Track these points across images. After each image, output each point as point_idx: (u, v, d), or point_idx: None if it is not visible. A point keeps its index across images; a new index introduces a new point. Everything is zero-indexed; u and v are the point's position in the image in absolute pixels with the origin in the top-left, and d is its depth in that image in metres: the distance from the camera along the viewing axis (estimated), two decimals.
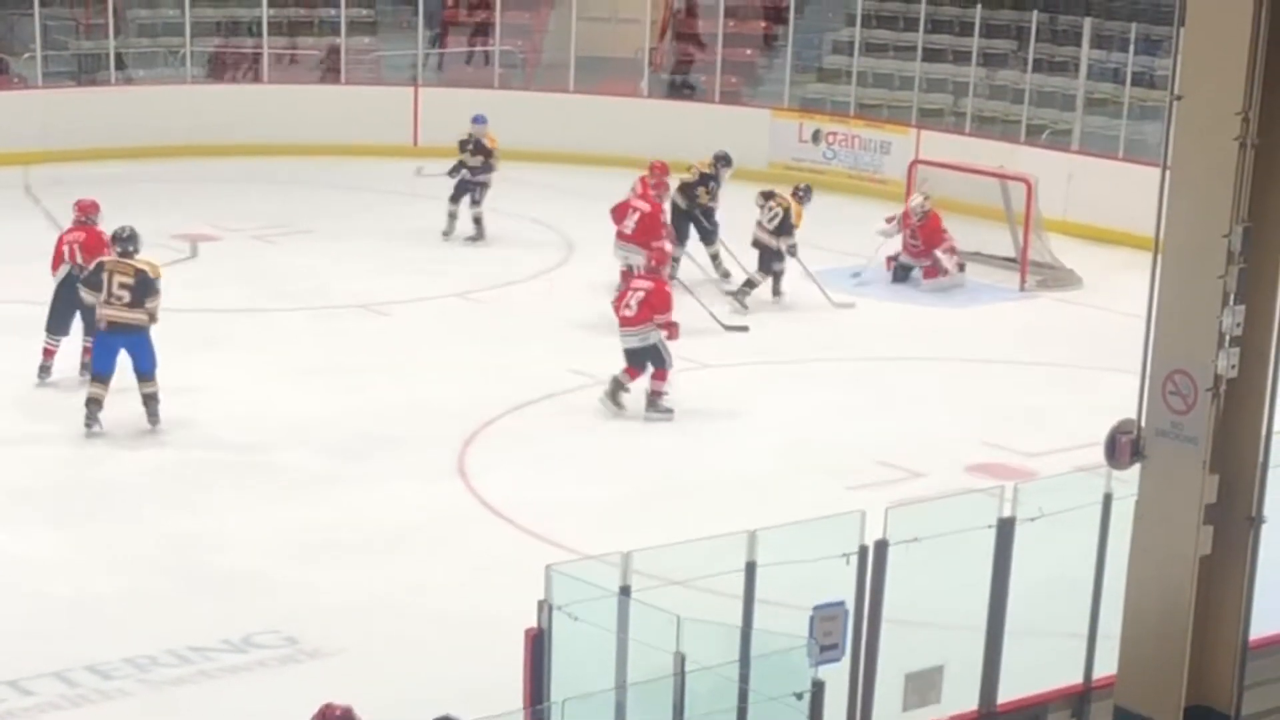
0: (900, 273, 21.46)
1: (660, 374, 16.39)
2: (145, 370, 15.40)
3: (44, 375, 16.60)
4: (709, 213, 21.36)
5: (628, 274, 18.64)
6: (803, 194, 20.91)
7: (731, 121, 27.59)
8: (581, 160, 27.52)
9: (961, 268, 21.45)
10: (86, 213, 16.98)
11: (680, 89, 30.03)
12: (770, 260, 20.41)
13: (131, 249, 15.55)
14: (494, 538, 13.53)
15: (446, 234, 22.85)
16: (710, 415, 16.52)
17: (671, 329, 16.51)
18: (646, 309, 16.42)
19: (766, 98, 29.04)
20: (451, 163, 23.12)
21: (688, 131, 26.99)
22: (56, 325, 16.59)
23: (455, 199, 22.99)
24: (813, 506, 10.13)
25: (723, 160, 21.62)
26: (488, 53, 30.29)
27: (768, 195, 20.78)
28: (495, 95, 29.09)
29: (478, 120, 23.27)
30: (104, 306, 15.33)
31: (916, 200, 21.62)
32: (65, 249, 16.66)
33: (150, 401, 15.42)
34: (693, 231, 21.37)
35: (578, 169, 27.22)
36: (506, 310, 19.91)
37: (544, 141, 27.84)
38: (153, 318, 15.40)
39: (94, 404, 15.28)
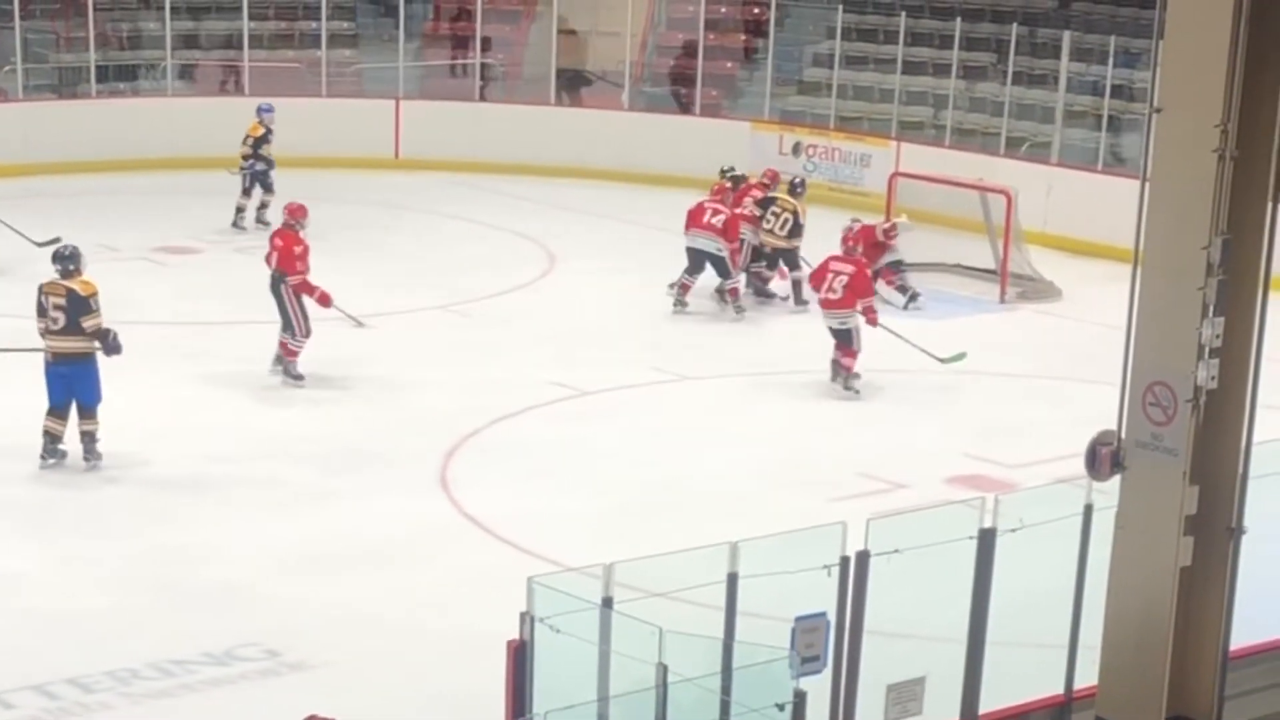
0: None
1: (851, 354, 17.33)
2: (87, 404, 14.65)
3: (276, 366, 17.21)
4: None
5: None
6: (799, 188, 20.92)
7: (712, 134, 27.68)
8: (562, 173, 27.56)
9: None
10: (295, 216, 17.39)
11: (675, 100, 30.04)
12: (788, 261, 20.48)
13: (71, 268, 14.65)
14: (476, 550, 13.51)
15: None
16: (692, 427, 16.53)
17: (871, 315, 17.25)
18: (850, 294, 17.29)
19: (747, 110, 29.10)
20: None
21: (669, 144, 27.05)
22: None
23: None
24: (795, 518, 10.14)
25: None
26: (469, 65, 30.30)
27: (766, 202, 20.78)
28: (476, 108, 29.15)
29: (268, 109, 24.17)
30: (44, 335, 14.68)
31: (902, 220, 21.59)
32: (268, 249, 17.32)
33: (87, 440, 14.70)
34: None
35: (559, 181, 27.25)
36: (489, 323, 19.91)
37: (525, 154, 27.87)
38: (97, 338, 14.54)
39: (49, 437, 14.70)
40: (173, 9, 28.79)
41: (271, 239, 17.61)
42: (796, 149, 27.25)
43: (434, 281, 21.54)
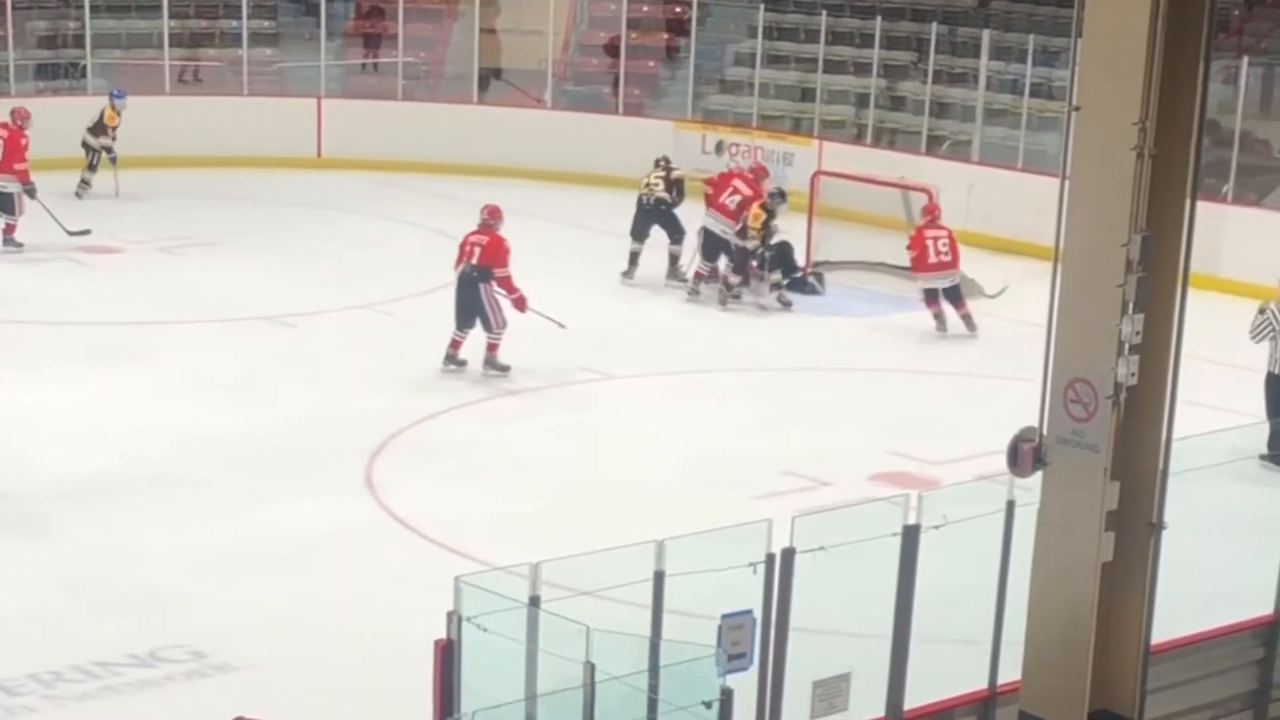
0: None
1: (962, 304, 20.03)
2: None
3: (448, 364, 17.66)
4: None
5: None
6: (780, 199, 21.00)
7: (635, 133, 27.70)
8: (486, 172, 27.50)
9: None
10: (494, 216, 17.82)
11: (590, 100, 30.07)
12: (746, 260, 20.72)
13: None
14: (403, 550, 13.48)
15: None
16: (616, 426, 16.54)
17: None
18: (955, 255, 20.10)
19: (669, 109, 29.15)
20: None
21: (591, 143, 27.05)
22: (461, 320, 17.61)
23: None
24: (719, 516, 10.13)
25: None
26: (391, 64, 30.19)
27: (742, 205, 20.96)
28: (398, 106, 29.06)
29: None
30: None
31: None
32: (467, 248, 17.57)
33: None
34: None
35: (482, 180, 27.17)
36: (413, 321, 19.84)
37: (448, 153, 27.79)
38: None
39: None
40: (93, 8, 28.58)
41: (468, 239, 17.80)
42: (719, 147, 27.25)
43: (357, 281, 21.47)
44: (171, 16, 28.94)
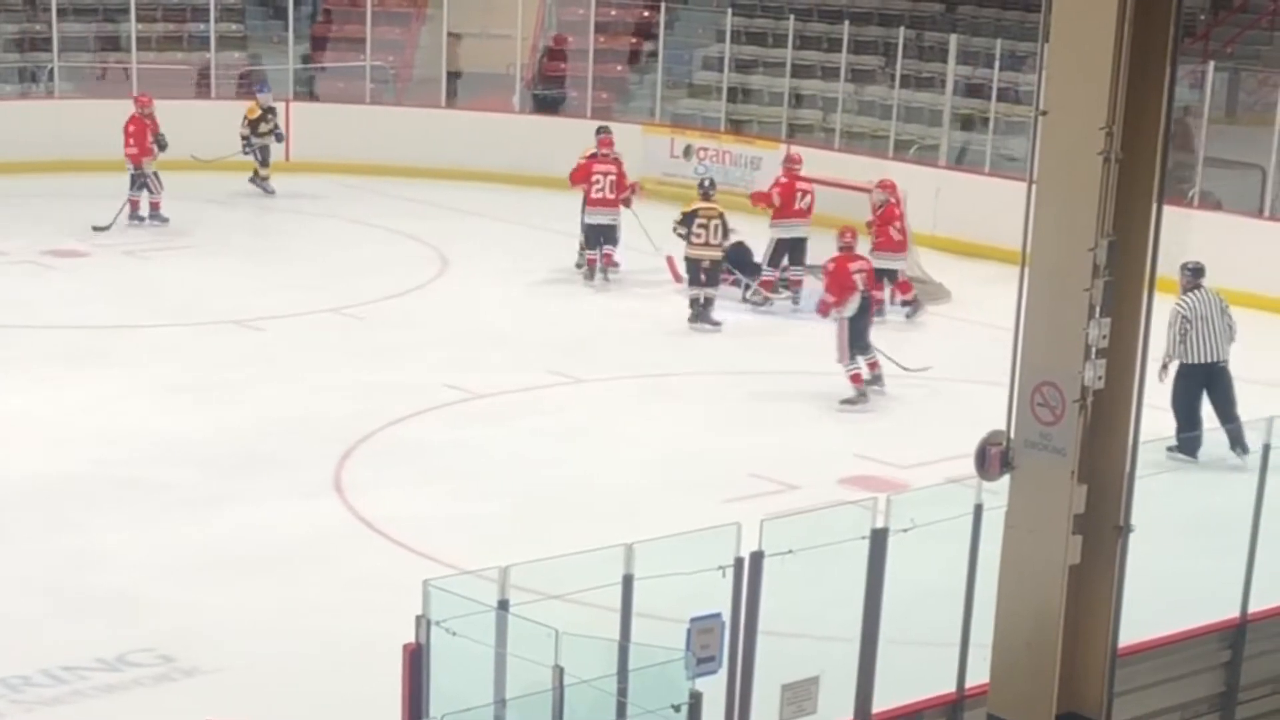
0: None
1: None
2: None
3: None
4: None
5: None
6: (708, 187, 20.90)
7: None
8: (454, 175, 27.50)
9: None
10: (843, 236, 18.21)
11: (549, 104, 30.09)
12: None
13: None
14: (372, 554, 13.45)
15: None
16: (585, 430, 16.54)
17: None
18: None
19: (638, 113, 29.18)
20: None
21: (559, 147, 27.00)
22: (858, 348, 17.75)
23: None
24: (688, 520, 10.13)
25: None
26: (359, 68, 30.14)
27: (689, 217, 20.52)
28: (367, 110, 29.02)
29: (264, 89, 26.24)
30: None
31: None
32: (854, 278, 17.73)
33: None
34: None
35: (450, 184, 27.18)
36: (382, 325, 19.83)
37: (416, 156, 27.76)
38: None
39: None
40: (60, 11, 28.48)
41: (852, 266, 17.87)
42: (688, 152, 27.32)
43: (327, 284, 21.43)
44: (139, 20, 28.85)
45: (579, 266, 22.15)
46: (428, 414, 16.65)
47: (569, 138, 27.52)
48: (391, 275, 21.85)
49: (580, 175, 22.04)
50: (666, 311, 20.80)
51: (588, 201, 21.89)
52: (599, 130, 22.96)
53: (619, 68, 30.56)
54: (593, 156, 22.12)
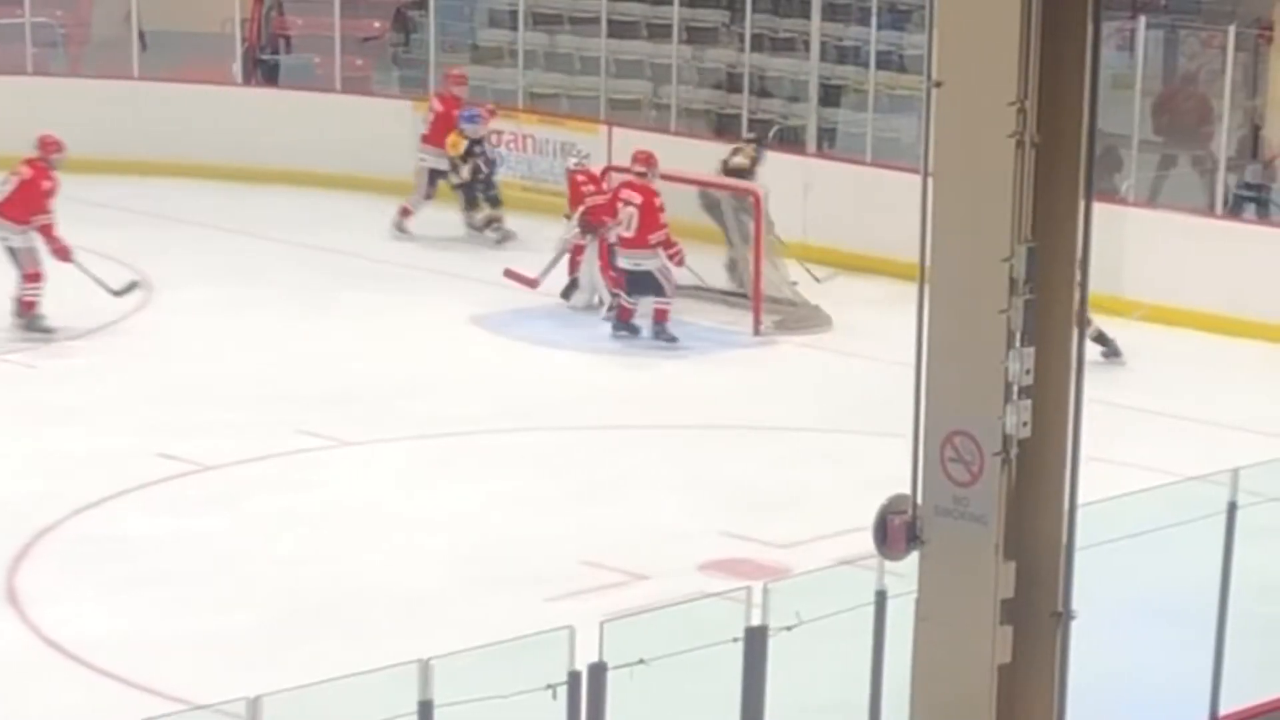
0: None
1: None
2: None
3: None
4: None
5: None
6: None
7: (360, 116, 27.44)
8: (152, 169, 27.14)
9: None
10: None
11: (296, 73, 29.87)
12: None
13: None
14: (64, 687, 13.28)
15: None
16: (358, 510, 16.49)
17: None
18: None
19: (406, 85, 29.00)
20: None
21: (299, 129, 26.80)
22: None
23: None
24: (503, 626, 10.22)
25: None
26: (16, 26, 29.51)
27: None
28: (29, 83, 28.53)
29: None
30: None
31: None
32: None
33: None
34: None
35: (151, 181, 26.89)
36: (64, 375, 19.63)
37: (100, 145, 27.34)
38: None
39: None
40: None
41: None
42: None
43: None
44: None
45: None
46: (134, 495, 16.53)
47: (311, 117, 27.36)
48: (72, 307, 21.43)
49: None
50: (474, 350, 20.82)
51: None
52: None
53: (376, 24, 30.42)
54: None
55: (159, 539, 15.73)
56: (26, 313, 20.71)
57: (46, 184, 20.91)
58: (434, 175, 25.35)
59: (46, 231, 20.63)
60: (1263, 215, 23.31)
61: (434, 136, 25.29)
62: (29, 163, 21.06)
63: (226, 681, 9.87)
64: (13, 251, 20.73)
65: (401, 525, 16.25)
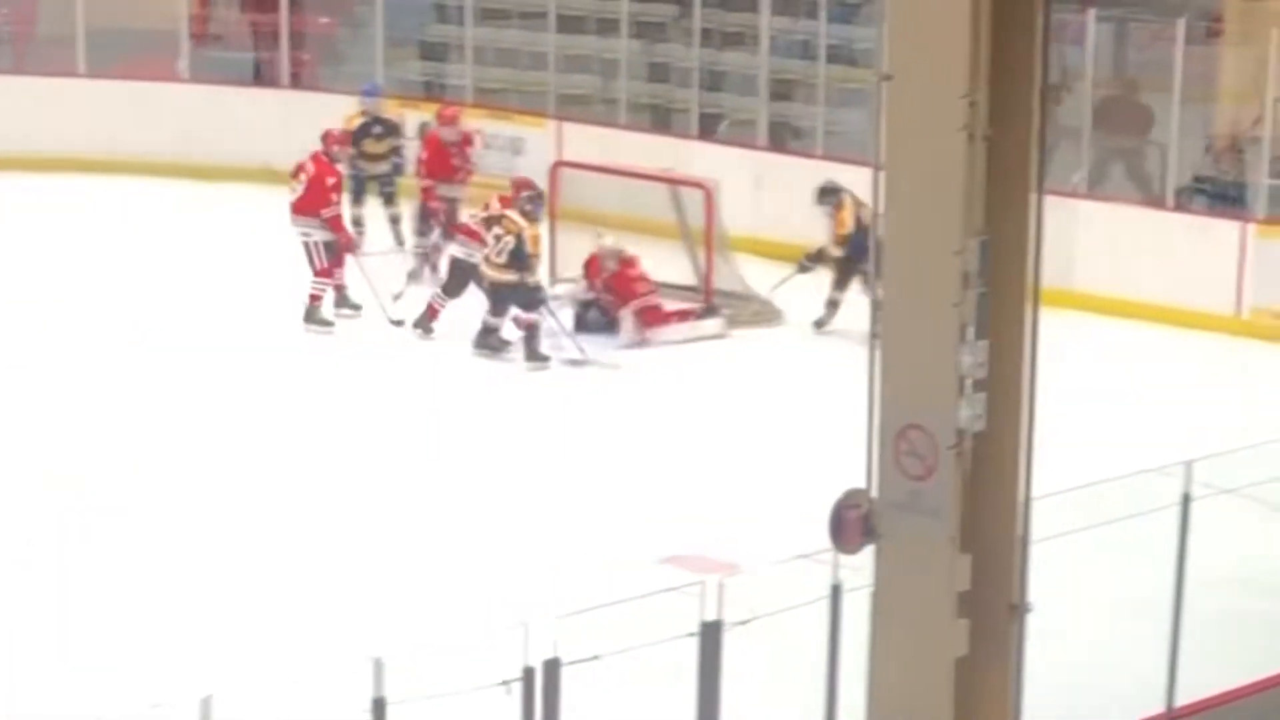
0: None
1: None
2: None
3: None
4: None
5: None
6: (530, 205, 20.93)
7: (306, 113, 27.21)
8: (99, 166, 27.04)
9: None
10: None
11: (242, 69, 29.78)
12: (506, 300, 20.60)
13: None
14: None
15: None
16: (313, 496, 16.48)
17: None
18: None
19: (352, 80, 28.93)
20: None
21: (246, 126, 26.74)
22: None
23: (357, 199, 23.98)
24: (459, 622, 10.22)
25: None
26: None
27: (490, 221, 20.73)
28: None
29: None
30: None
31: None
32: None
33: None
34: None
35: (96, 178, 26.78)
36: None
37: (48, 144, 27.30)
38: None
39: None
40: None
41: None
42: (423, 131, 27.28)
43: None
44: None
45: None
46: None
47: (258, 114, 27.30)
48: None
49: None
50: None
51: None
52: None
53: (324, 20, 30.35)
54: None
55: None
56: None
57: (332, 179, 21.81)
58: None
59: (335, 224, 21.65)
60: (1213, 207, 23.37)
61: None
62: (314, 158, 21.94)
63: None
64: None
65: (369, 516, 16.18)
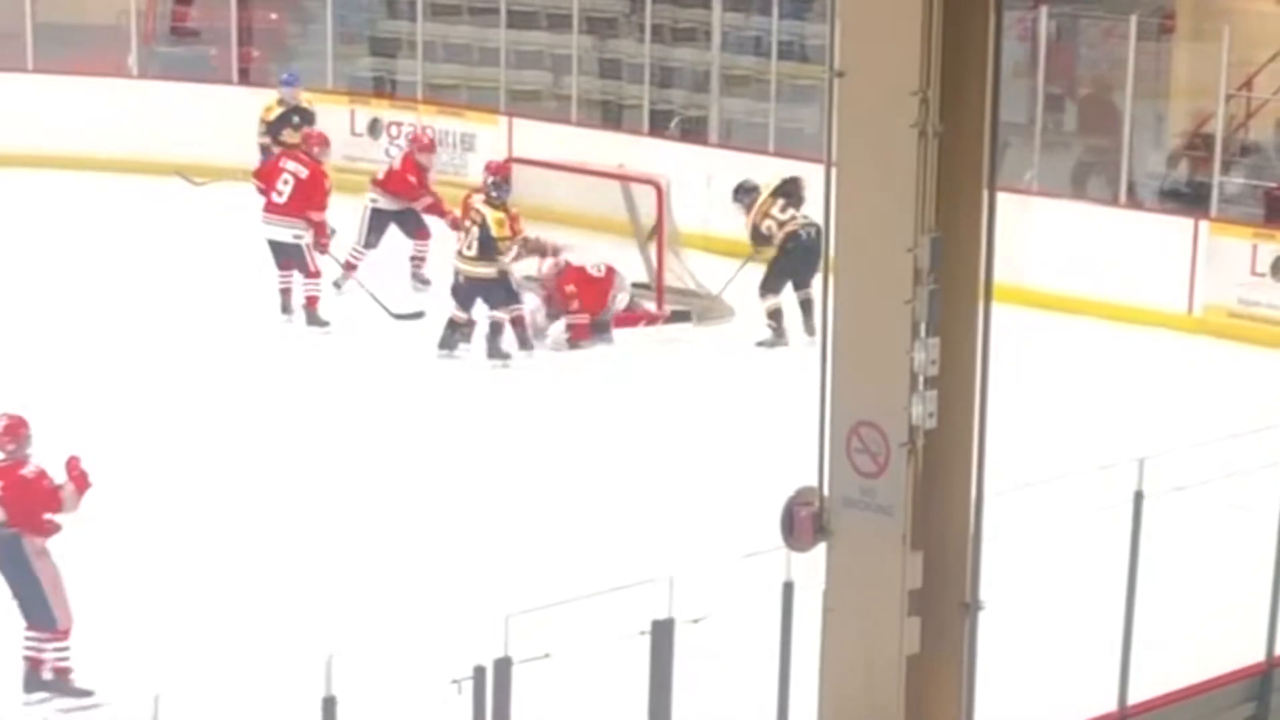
0: None
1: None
2: None
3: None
4: None
5: None
6: (496, 191, 20.82)
7: (255, 109, 27.31)
8: (49, 162, 26.94)
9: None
10: None
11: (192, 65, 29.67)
12: (473, 295, 20.51)
13: None
14: None
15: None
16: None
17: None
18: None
19: (303, 76, 28.88)
20: None
21: (195, 122, 26.67)
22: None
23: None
24: (411, 621, 10.20)
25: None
26: None
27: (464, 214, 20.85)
28: None
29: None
30: None
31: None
32: None
33: None
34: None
35: (44, 174, 26.67)
36: None
37: None
38: None
39: None
40: None
41: None
42: (374, 127, 27.15)
43: None
44: None
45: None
46: None
47: (207, 111, 27.21)
48: None
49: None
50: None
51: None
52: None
53: (273, 15, 30.26)
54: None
55: None
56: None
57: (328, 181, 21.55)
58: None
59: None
60: (1166, 205, 23.41)
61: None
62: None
63: None
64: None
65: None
